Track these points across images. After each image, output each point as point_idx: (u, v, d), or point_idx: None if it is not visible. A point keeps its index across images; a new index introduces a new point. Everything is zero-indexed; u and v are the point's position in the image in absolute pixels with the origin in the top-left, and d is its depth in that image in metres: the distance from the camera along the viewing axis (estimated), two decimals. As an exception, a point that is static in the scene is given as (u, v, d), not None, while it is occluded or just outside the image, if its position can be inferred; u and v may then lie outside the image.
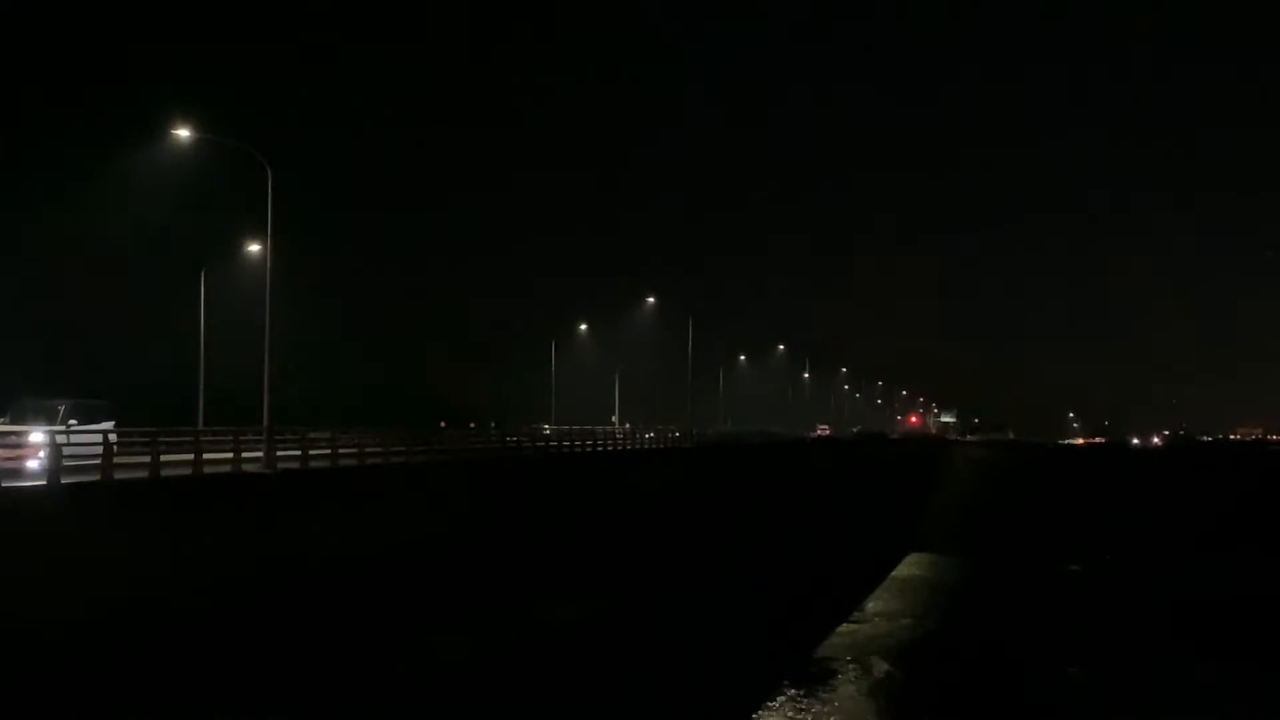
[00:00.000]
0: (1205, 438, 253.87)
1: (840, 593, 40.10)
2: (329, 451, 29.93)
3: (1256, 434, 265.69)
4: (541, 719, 22.38)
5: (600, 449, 49.57)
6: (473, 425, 56.79)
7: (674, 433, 69.22)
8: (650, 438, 61.75)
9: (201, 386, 41.50)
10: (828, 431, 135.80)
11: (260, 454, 28.07)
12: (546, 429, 61.39)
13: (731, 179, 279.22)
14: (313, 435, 31.15)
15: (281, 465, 27.68)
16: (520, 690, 23.31)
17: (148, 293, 63.35)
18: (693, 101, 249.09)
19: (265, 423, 29.91)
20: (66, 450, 22.71)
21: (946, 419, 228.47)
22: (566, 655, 25.87)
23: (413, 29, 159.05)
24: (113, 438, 24.51)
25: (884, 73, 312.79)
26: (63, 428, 26.42)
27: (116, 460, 23.10)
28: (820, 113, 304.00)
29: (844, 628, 35.55)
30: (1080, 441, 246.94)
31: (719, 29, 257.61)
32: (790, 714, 25.33)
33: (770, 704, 25.86)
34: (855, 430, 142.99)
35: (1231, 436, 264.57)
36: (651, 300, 79.91)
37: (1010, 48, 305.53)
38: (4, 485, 19.95)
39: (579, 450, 47.44)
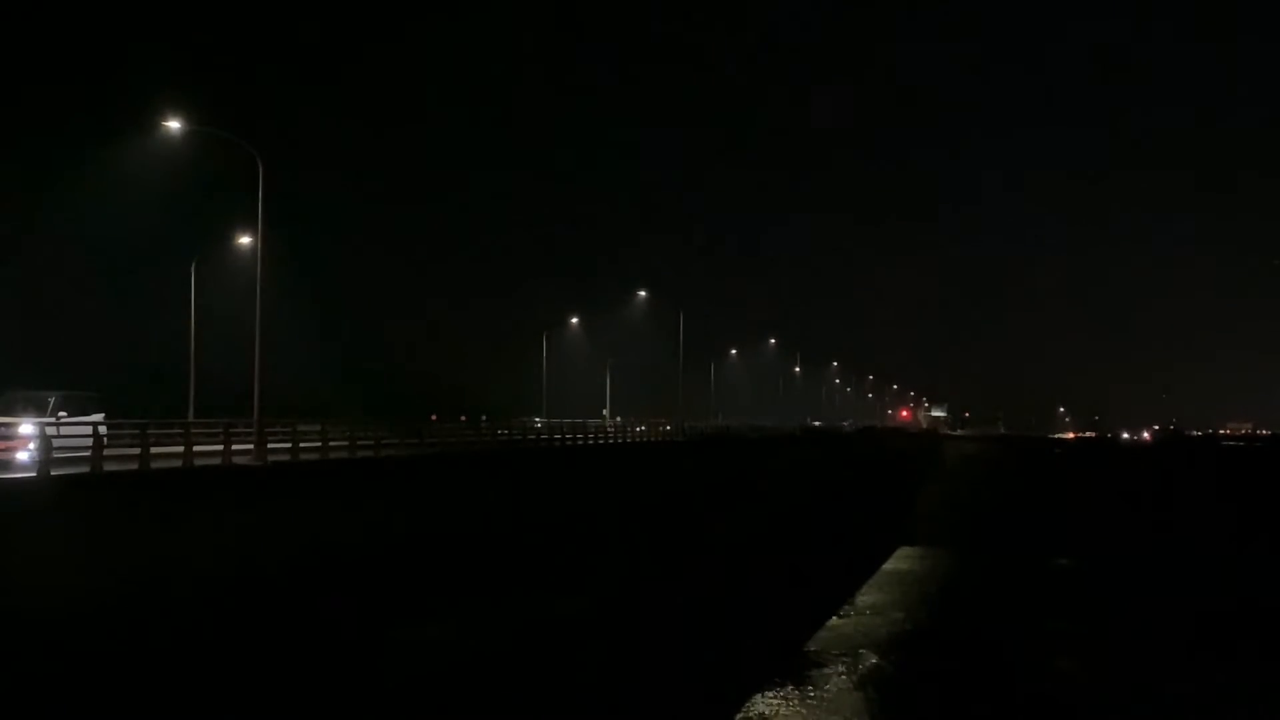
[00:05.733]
0: (1195, 433, 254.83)
1: (830, 586, 40.11)
2: (319, 444, 29.94)
3: (1246, 429, 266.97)
4: (531, 711, 22.41)
5: (591, 442, 49.60)
6: (464, 418, 56.67)
7: (665, 426, 69.30)
8: (641, 431, 61.80)
9: (193, 379, 41.48)
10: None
11: (251, 446, 28.09)
12: (538, 422, 61.38)
13: (728, 173, 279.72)
14: (303, 428, 31.17)
15: (272, 458, 27.73)
16: (511, 683, 23.35)
17: (141, 285, 63.31)
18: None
19: (256, 415, 29.91)
20: (56, 442, 22.71)
21: (937, 413, 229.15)
22: (556, 648, 25.90)
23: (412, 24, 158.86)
24: (103, 429, 24.51)
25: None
26: (53, 419, 26.37)
27: (106, 452, 23.11)
28: (818, 102, 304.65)
29: (834, 621, 35.60)
30: (1071, 436, 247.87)
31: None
32: (779, 707, 25.37)
33: (759, 696, 25.91)
34: (846, 424, 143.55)
35: (1222, 431, 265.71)
36: (643, 294, 79.98)
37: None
38: (-6, 477, 19.95)
39: (570, 444, 47.47)
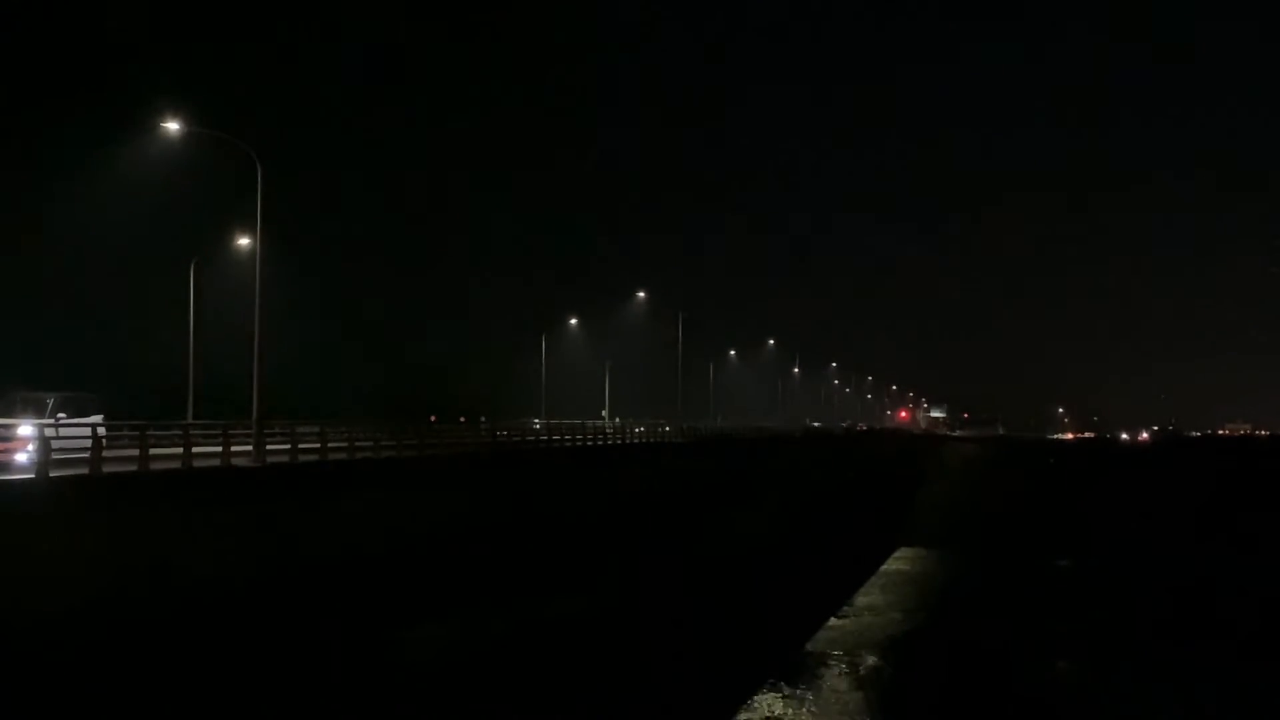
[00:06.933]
0: (1194, 433, 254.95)
1: (829, 587, 40.14)
2: (318, 445, 29.93)
3: (1244, 429, 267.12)
4: (530, 710, 22.42)
5: (590, 443, 49.55)
6: (463, 420, 56.70)
7: (664, 427, 69.38)
8: (640, 432, 61.76)
9: (190, 381, 41.36)
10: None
11: (250, 448, 28.05)
12: (537, 423, 61.38)
13: (728, 172, 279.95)
14: (302, 429, 31.15)
15: (271, 459, 27.67)
16: (510, 682, 23.35)
17: (140, 287, 63.26)
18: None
19: (255, 416, 29.82)
20: (55, 443, 22.66)
21: (936, 414, 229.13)
22: (554, 649, 25.90)
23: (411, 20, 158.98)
24: (101, 431, 24.49)
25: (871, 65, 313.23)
26: (52, 421, 26.35)
27: (105, 454, 23.06)
28: (815, 106, 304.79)
29: (833, 622, 35.61)
30: (1069, 436, 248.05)
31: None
32: (778, 706, 25.40)
33: (758, 696, 25.94)
34: (845, 425, 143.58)
35: (1220, 432, 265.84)
36: (642, 295, 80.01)
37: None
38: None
39: (569, 444, 47.45)
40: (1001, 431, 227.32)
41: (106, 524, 20.48)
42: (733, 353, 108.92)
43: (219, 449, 26.40)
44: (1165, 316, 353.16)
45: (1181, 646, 32.45)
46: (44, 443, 21.36)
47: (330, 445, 30.58)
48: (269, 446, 28.35)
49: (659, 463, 51.57)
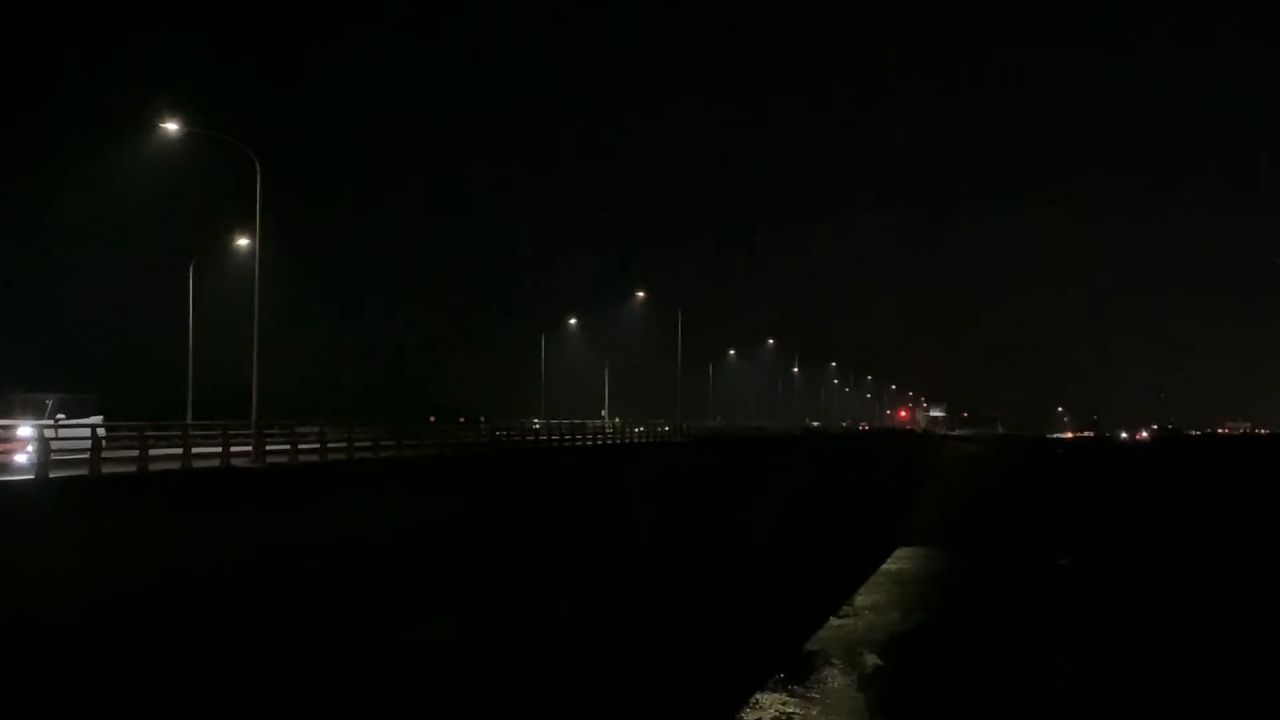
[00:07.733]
0: (1194, 432, 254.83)
1: (830, 587, 40.22)
2: (318, 446, 29.85)
3: (1245, 428, 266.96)
4: (533, 710, 22.43)
5: (590, 443, 49.54)
6: (462, 419, 56.62)
7: (663, 427, 69.39)
8: (640, 432, 61.70)
9: (190, 381, 41.30)
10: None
11: (250, 448, 27.99)
12: (536, 423, 61.33)
13: (725, 171, 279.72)
14: (302, 430, 31.08)
15: (271, 460, 27.60)
16: (513, 682, 23.35)
17: (140, 287, 63.25)
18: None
19: (254, 417, 29.77)
20: (55, 444, 22.62)
21: (936, 413, 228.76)
22: (557, 647, 25.90)
23: (419, 19, 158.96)
24: (101, 432, 24.43)
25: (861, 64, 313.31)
26: (51, 422, 26.32)
27: (105, 454, 23.02)
28: (818, 105, 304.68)
29: (833, 622, 35.68)
30: (1069, 435, 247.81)
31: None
32: (780, 705, 25.44)
33: (761, 695, 25.98)
34: (844, 425, 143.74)
35: (1220, 431, 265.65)
36: (641, 294, 79.96)
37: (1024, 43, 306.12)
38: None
39: (568, 444, 47.45)
40: (1001, 431, 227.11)
41: (107, 526, 20.46)
42: (732, 352, 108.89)
43: (218, 450, 26.34)
44: (1165, 316, 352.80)
45: (1179, 646, 32.51)
46: (43, 444, 21.31)
47: (330, 445, 30.51)
48: (269, 447, 28.29)
49: (658, 463, 51.54)
